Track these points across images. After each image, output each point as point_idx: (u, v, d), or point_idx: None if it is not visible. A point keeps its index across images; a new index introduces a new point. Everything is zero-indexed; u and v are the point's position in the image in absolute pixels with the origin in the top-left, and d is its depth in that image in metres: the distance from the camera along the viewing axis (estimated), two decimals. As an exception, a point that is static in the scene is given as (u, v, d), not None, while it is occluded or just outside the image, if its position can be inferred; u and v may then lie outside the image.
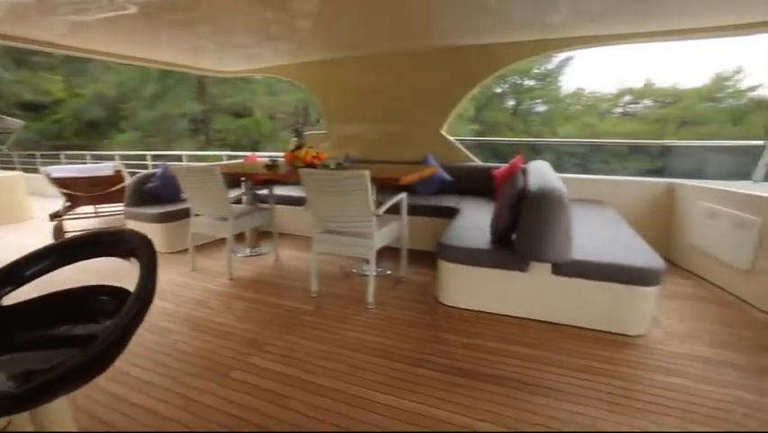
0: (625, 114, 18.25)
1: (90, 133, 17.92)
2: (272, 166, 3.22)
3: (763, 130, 13.86)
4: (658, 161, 14.33)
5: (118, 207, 4.33)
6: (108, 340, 0.77)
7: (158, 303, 2.57)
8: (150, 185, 3.95)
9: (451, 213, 3.36)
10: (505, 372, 1.80)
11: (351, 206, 2.39)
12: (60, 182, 4.21)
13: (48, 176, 4.16)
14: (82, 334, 1.00)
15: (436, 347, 2.02)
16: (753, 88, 14.92)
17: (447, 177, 3.95)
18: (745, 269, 2.53)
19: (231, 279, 3.00)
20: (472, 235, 2.53)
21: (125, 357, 1.91)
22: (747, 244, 2.52)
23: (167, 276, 3.06)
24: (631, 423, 1.48)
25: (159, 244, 3.61)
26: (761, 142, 3.17)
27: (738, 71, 15.19)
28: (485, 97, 19.21)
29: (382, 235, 2.59)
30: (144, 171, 4.09)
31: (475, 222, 2.85)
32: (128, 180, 4.22)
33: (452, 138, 4.26)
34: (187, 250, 3.34)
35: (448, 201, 3.63)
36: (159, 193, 3.95)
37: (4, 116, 6.45)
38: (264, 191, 3.55)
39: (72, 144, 16.26)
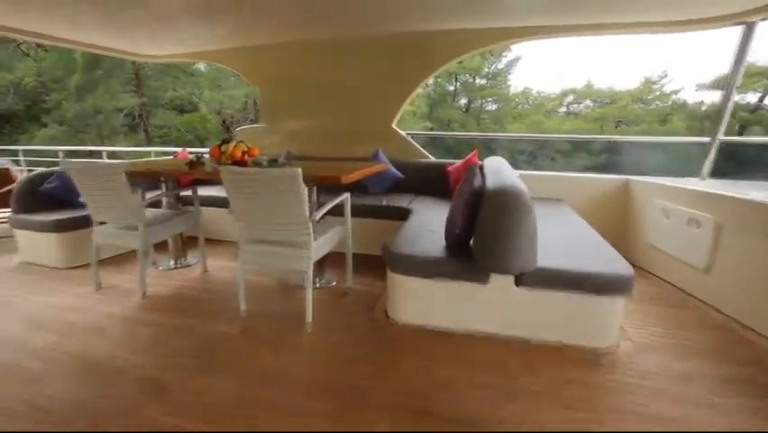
0: (568, 113, 19.19)
1: (1, 126, 15.82)
2: (195, 163, 2.73)
3: (685, 129, 15.09)
4: (597, 158, 15.19)
5: (6, 213, 3.58)
6: None
7: (32, 335, 2.02)
8: (46, 186, 3.27)
9: (404, 214, 3.05)
10: (469, 410, 1.50)
11: (282, 210, 2.00)
12: None
13: None
14: None
15: (386, 381, 1.68)
16: (676, 92, 16.29)
17: (399, 174, 3.65)
18: (702, 268, 2.46)
19: (144, 297, 2.49)
20: (426, 241, 2.23)
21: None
22: (702, 242, 2.45)
23: (57, 298, 2.48)
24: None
25: (53, 258, 3.01)
26: (707, 139, 3.17)
27: (664, 76, 16.48)
28: (438, 95, 19.34)
29: (322, 243, 2.22)
30: (39, 170, 3.39)
31: (428, 224, 2.56)
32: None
33: (403, 133, 3.97)
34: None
35: (400, 201, 3.32)
36: (58, 196, 3.29)
37: None
38: (189, 192, 3.04)
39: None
